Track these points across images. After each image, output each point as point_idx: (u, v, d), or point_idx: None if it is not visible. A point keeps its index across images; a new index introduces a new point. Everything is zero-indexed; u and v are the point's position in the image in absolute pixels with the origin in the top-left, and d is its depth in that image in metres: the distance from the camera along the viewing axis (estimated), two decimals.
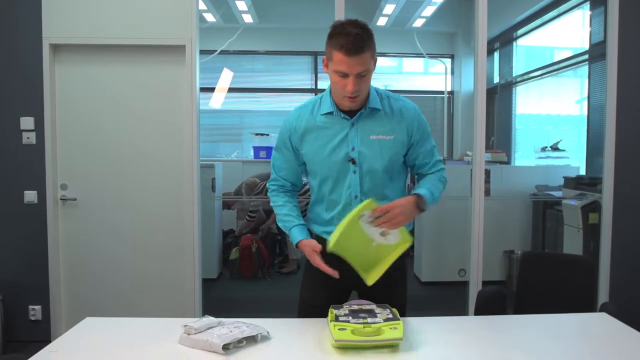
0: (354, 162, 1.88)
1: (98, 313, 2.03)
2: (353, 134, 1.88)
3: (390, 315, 1.69)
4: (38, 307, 3.65)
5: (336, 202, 1.94)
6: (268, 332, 1.73)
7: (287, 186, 2.04)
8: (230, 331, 1.64)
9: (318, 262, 1.85)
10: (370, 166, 1.89)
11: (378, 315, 1.69)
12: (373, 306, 1.78)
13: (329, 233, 1.89)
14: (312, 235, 2.03)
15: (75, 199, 3.65)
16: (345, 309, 1.75)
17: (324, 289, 1.98)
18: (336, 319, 1.67)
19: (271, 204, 2.06)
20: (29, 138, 3.57)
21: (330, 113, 1.89)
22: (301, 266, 2.63)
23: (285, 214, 2.00)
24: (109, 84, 3.63)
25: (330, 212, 1.96)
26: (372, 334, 1.59)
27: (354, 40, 1.70)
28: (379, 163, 1.89)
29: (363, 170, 1.89)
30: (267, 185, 2.09)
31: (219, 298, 4.86)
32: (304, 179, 2.10)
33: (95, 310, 3.49)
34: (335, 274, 1.82)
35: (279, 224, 2.04)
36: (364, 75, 1.76)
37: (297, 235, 1.95)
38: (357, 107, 1.87)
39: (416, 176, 2.09)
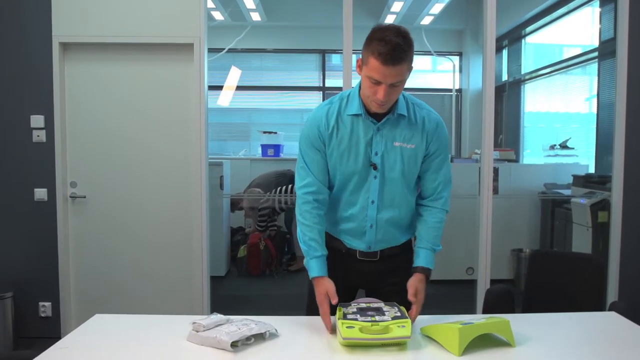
0: (375, 168, 1.85)
1: (107, 310, 2.04)
2: (378, 139, 1.85)
3: (399, 314, 1.69)
4: (48, 304, 3.68)
5: (352, 203, 1.92)
6: (276, 330, 1.73)
7: (323, 194, 1.91)
8: (239, 329, 1.65)
9: (325, 312, 1.77)
10: (390, 173, 1.87)
11: (386, 313, 1.69)
12: (381, 304, 1.78)
13: (346, 232, 1.94)
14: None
15: (84, 197, 3.68)
16: (353, 307, 1.75)
17: None
18: (344, 317, 1.68)
19: (299, 216, 1.90)
20: (39, 136, 3.60)
21: (358, 115, 1.84)
22: None
23: (311, 239, 1.87)
24: (118, 82, 3.65)
25: (347, 211, 1.94)
26: (380, 332, 1.60)
27: (393, 50, 1.63)
28: (398, 170, 1.87)
29: (385, 177, 1.87)
30: (299, 193, 1.92)
31: (227, 296, 4.88)
32: None
33: (104, 307, 3.51)
34: (329, 329, 1.75)
35: (300, 244, 1.90)
36: (397, 86, 1.72)
37: (316, 269, 1.85)
38: (384, 111, 1.83)
39: (420, 204, 1.99)
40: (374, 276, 1.98)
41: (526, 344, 1.65)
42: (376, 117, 1.84)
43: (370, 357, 1.57)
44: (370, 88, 1.73)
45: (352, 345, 1.61)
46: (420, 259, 1.89)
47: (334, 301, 1.77)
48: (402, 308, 1.75)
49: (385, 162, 1.86)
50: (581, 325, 1.90)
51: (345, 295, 1.95)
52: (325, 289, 1.80)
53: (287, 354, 1.63)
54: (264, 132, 6.65)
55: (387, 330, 1.60)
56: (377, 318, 1.65)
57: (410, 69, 1.75)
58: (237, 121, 7.58)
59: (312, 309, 2.05)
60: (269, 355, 1.61)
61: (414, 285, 1.82)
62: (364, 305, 1.78)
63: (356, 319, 1.64)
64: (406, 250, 2.03)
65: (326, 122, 1.87)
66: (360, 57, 1.76)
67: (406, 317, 1.67)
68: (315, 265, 1.86)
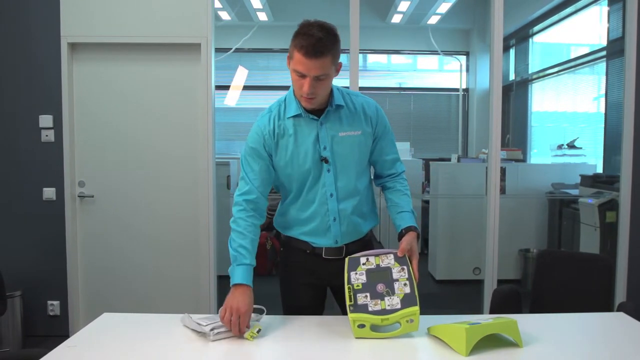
0: (326, 162, 1.88)
1: (115, 309, 2.05)
2: (323, 133, 1.87)
3: (408, 290, 1.71)
4: (56, 303, 3.71)
5: (311, 201, 1.93)
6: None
7: (259, 203, 1.90)
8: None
9: (228, 330, 1.71)
10: (343, 163, 1.90)
11: (396, 285, 1.72)
12: (390, 262, 1.79)
13: (308, 234, 1.95)
14: (282, 239, 2.07)
15: (92, 196, 3.70)
16: (362, 273, 1.77)
17: (302, 289, 2.03)
18: (354, 293, 1.71)
19: (232, 223, 1.87)
20: (48, 136, 3.62)
21: (298, 115, 1.87)
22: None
23: (240, 246, 1.83)
24: (126, 82, 3.67)
25: (306, 211, 1.95)
26: (389, 328, 1.69)
27: (316, 43, 1.69)
28: (351, 159, 1.91)
29: (337, 168, 1.90)
30: (236, 200, 1.90)
31: None
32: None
33: (112, 306, 3.54)
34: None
35: (229, 246, 1.86)
36: (322, 79, 1.75)
37: (240, 275, 1.80)
38: (322, 106, 1.87)
39: (382, 183, 2.05)
40: (340, 274, 1.91)
41: (533, 345, 1.65)
42: (315, 113, 1.87)
43: (378, 358, 1.58)
44: (297, 82, 1.78)
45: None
46: (407, 220, 1.92)
47: (243, 328, 1.70)
48: (411, 269, 1.77)
49: (336, 154, 1.89)
50: (589, 326, 1.90)
51: (314, 295, 2.02)
52: (240, 306, 1.71)
53: (294, 352, 1.64)
54: None
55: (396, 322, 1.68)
56: (387, 303, 1.68)
57: (336, 64, 1.80)
58: (244, 121, 7.59)
59: (288, 306, 2.06)
60: (278, 355, 1.61)
61: (409, 241, 1.84)
62: (373, 265, 1.79)
63: (366, 304, 1.69)
64: (369, 245, 2.03)
65: (271, 130, 1.89)
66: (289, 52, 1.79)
67: (415, 303, 1.69)
68: (240, 272, 1.80)
